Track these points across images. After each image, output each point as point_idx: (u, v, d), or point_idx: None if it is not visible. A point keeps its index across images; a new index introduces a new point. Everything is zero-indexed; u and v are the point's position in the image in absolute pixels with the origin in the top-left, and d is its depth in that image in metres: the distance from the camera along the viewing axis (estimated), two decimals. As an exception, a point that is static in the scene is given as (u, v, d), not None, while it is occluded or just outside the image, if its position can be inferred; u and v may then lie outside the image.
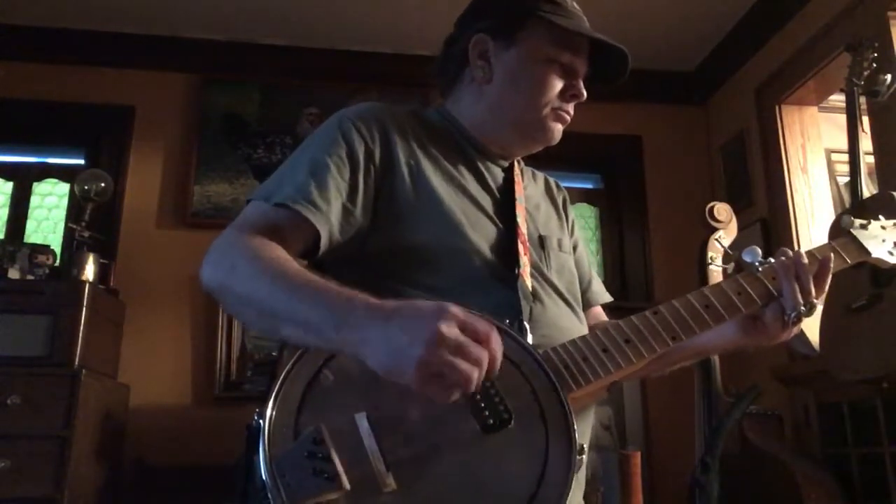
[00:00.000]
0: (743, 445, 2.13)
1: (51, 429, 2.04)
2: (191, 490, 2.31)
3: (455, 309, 0.75)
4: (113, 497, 2.30)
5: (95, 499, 2.19)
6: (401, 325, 0.74)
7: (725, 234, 1.90)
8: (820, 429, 2.35)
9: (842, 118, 2.14)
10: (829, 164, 2.88)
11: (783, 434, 2.28)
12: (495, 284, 1.01)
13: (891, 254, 1.18)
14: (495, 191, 1.12)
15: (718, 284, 1.04)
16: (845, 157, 2.19)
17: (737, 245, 1.99)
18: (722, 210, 1.91)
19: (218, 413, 2.62)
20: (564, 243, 1.19)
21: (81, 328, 2.18)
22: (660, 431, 2.86)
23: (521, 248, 1.05)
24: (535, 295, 1.03)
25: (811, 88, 2.68)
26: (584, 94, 1.12)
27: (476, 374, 0.73)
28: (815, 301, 1.03)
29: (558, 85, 1.10)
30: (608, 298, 1.31)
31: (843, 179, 2.83)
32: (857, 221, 1.19)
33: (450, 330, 0.72)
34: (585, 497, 1.07)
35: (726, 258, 1.95)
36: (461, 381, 0.73)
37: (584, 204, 3.34)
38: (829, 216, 2.59)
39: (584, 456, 0.88)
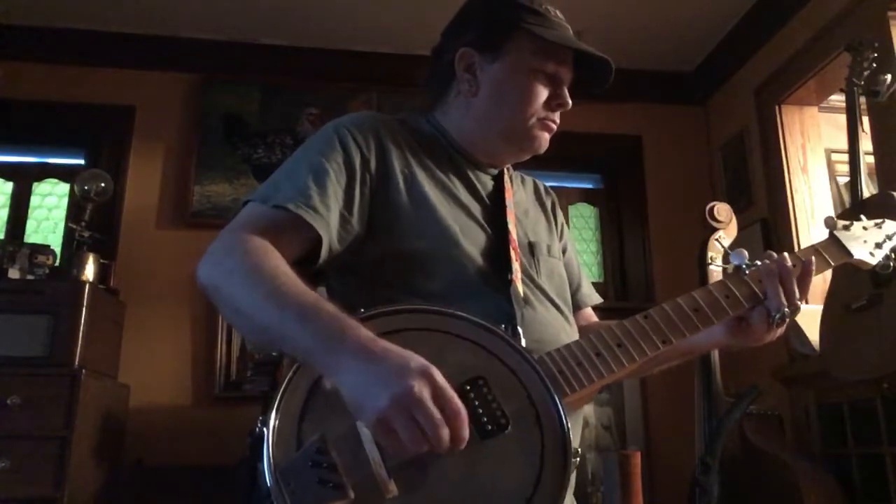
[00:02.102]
0: (743, 445, 2.13)
1: (51, 429, 2.04)
2: (191, 490, 2.32)
3: (437, 376, 0.75)
4: (113, 497, 2.30)
5: (95, 499, 2.19)
6: (379, 373, 0.75)
7: (725, 234, 1.91)
8: (820, 429, 2.34)
9: (842, 118, 2.14)
10: (829, 164, 2.88)
11: (783, 434, 2.28)
12: (488, 291, 1.02)
13: (871, 255, 1.18)
14: (485, 198, 1.14)
15: (707, 287, 1.06)
16: (845, 157, 2.19)
17: (737, 245, 1.99)
18: (722, 210, 1.92)
19: (218, 413, 2.62)
20: (553, 248, 1.20)
21: (81, 328, 2.18)
22: (660, 431, 2.86)
23: (512, 254, 1.07)
24: (526, 300, 1.05)
25: (811, 88, 2.68)
26: (570, 102, 1.14)
27: (427, 448, 0.74)
28: (798, 303, 1.04)
29: (544, 95, 1.11)
30: (598, 300, 1.33)
31: (843, 179, 2.83)
32: (840, 223, 1.19)
33: (420, 392, 0.73)
34: (585, 497, 1.08)
35: (726, 258, 1.95)
36: (412, 447, 0.74)
37: (584, 204, 3.35)
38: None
39: (577, 459, 0.89)
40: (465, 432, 0.76)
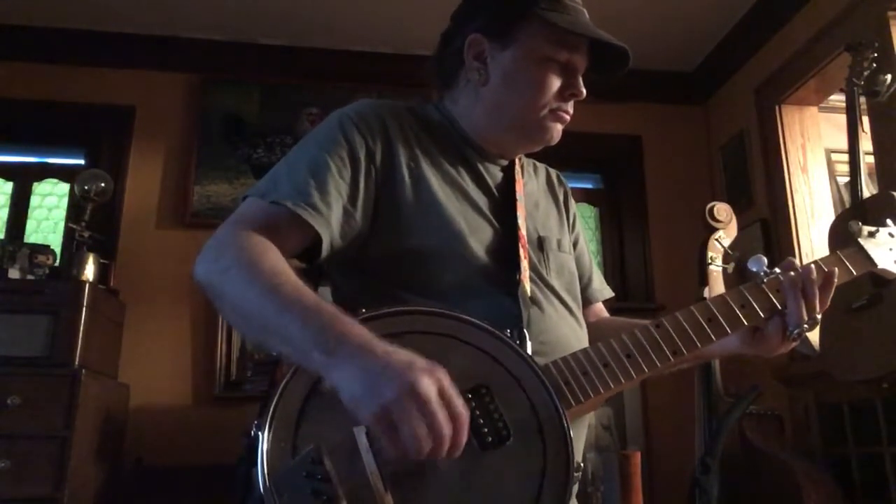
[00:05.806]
0: (743, 445, 2.12)
1: (51, 429, 2.04)
2: (191, 490, 2.31)
3: (445, 377, 0.73)
4: (113, 497, 2.30)
5: (95, 499, 2.19)
6: (384, 369, 0.73)
7: (725, 234, 1.91)
8: (820, 429, 2.35)
9: (842, 118, 2.14)
10: (829, 164, 2.88)
11: (783, 434, 2.27)
12: (494, 291, 0.99)
13: None
14: (494, 191, 1.10)
15: (722, 296, 1.01)
16: (845, 157, 2.19)
17: (737, 245, 1.99)
18: (722, 210, 1.92)
19: (218, 413, 2.62)
20: (564, 242, 1.16)
21: (81, 328, 2.17)
22: (660, 431, 2.86)
23: (521, 252, 1.03)
24: (533, 300, 1.02)
25: (811, 88, 2.68)
26: (584, 92, 1.09)
27: (429, 448, 0.71)
28: (818, 318, 1.00)
29: (556, 84, 1.06)
30: (609, 294, 1.29)
31: (843, 179, 2.83)
32: (866, 229, 1.14)
33: (428, 388, 0.71)
34: (585, 497, 1.07)
35: (726, 258, 1.95)
36: (412, 447, 0.71)
37: (584, 204, 3.35)
38: (829, 216, 2.59)
39: (579, 473, 0.87)
40: (464, 438, 0.74)
